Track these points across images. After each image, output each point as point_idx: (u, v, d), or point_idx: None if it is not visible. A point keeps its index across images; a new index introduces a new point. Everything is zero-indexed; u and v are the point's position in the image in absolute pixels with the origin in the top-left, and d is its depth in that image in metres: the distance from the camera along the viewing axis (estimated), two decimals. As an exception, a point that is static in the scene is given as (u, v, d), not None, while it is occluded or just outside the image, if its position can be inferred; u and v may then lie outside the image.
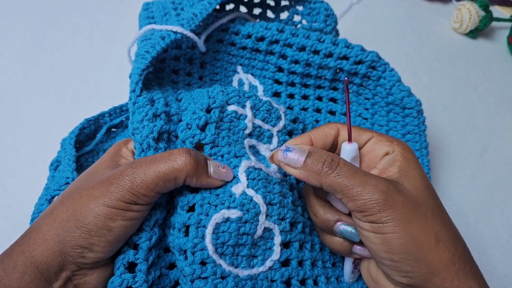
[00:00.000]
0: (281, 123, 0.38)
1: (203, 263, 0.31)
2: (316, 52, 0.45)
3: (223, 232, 0.31)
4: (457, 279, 0.28)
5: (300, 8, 0.51)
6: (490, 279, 0.46)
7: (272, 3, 0.52)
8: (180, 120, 0.36)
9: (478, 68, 0.69)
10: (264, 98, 0.38)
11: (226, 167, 0.33)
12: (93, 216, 0.28)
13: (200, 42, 0.43)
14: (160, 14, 0.47)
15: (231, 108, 0.35)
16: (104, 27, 0.67)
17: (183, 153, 0.30)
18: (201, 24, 0.44)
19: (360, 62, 0.44)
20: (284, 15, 0.52)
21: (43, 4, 0.69)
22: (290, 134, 0.39)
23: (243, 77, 0.49)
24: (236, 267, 0.32)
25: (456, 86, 0.66)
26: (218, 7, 0.47)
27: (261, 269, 0.33)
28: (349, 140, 0.33)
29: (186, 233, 0.32)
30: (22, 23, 0.65)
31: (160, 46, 0.38)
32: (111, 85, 0.59)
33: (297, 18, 0.52)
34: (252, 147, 0.37)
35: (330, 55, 0.45)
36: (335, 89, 0.49)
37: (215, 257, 0.31)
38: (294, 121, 0.39)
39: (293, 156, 0.31)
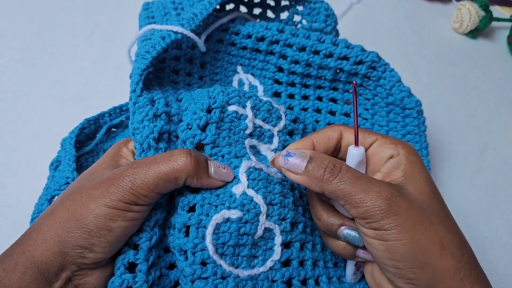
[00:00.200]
0: (282, 123, 0.38)
1: (203, 264, 0.31)
2: (316, 52, 0.45)
3: (224, 232, 0.31)
4: (462, 287, 0.27)
5: (300, 8, 0.51)
6: (490, 279, 0.46)
7: (272, 3, 0.52)
8: (181, 120, 0.36)
9: (478, 68, 0.69)
10: (265, 98, 0.38)
11: (226, 168, 0.33)
12: (94, 216, 0.28)
13: (200, 42, 0.43)
14: (160, 14, 0.47)
15: (231, 108, 0.35)
16: (104, 27, 0.67)
17: (183, 153, 0.30)
18: (201, 24, 0.44)
19: (360, 62, 0.44)
20: (284, 15, 0.52)
21: (43, 4, 0.69)
22: (291, 134, 0.39)
23: (243, 77, 0.49)
24: (237, 268, 0.32)
25: (456, 86, 0.66)
26: (218, 7, 0.47)
27: (261, 269, 0.33)
28: (356, 143, 0.32)
29: (187, 234, 0.32)
30: (22, 23, 0.65)
31: (161, 46, 0.38)
32: (111, 85, 0.59)
33: (297, 18, 0.52)
34: (253, 147, 0.37)
35: (330, 55, 0.45)
36: (335, 89, 0.49)
37: (215, 257, 0.31)
38: (294, 121, 0.39)
39: (295, 161, 0.31)
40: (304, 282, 0.35)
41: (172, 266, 0.34)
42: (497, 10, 0.80)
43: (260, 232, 0.33)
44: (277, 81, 0.50)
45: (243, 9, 0.50)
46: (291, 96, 0.50)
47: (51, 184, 0.42)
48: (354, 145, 0.32)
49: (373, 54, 0.44)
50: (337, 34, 0.51)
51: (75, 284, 0.29)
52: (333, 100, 0.50)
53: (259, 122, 0.37)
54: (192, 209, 0.32)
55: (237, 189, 0.33)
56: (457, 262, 0.28)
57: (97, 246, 0.28)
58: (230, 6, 0.49)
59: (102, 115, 0.48)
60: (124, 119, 0.49)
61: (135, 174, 0.29)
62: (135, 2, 0.68)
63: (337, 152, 0.35)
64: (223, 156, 0.34)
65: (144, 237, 0.31)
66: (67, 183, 0.40)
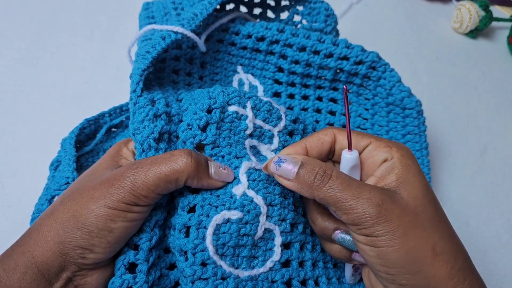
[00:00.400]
0: (282, 124, 0.38)
1: (203, 264, 0.31)
2: (316, 52, 0.45)
3: (224, 233, 0.31)
4: None
5: (300, 8, 0.51)
6: (490, 279, 0.47)
7: (272, 3, 0.52)
8: (181, 121, 0.36)
9: (478, 68, 0.69)
10: (265, 99, 0.38)
11: (227, 168, 0.33)
12: (94, 217, 0.28)
13: (200, 42, 0.43)
14: (161, 14, 0.47)
15: (232, 108, 0.35)
16: (104, 27, 0.67)
17: (184, 154, 0.30)
18: (201, 24, 0.44)
19: (360, 62, 0.44)
20: (284, 15, 0.52)
21: (43, 4, 0.68)
22: (291, 134, 0.39)
23: (243, 77, 0.49)
24: (237, 268, 0.32)
25: (456, 86, 0.66)
26: (218, 7, 0.46)
27: (261, 270, 0.33)
28: (349, 148, 0.31)
29: (187, 234, 0.32)
30: (22, 23, 0.65)
31: (161, 46, 0.38)
32: (111, 85, 0.59)
33: (297, 18, 0.52)
34: (253, 147, 0.37)
35: (330, 55, 0.45)
36: (335, 89, 0.49)
37: (215, 258, 0.31)
38: (294, 121, 0.39)
39: (286, 167, 0.30)
40: (303, 282, 0.35)
41: (172, 266, 0.34)
42: (497, 10, 0.80)
43: (260, 233, 0.33)
44: (277, 81, 0.50)
45: (243, 9, 0.50)
46: (291, 96, 0.50)
47: (51, 184, 0.42)
48: (347, 149, 0.32)
49: (373, 54, 0.44)
50: (337, 34, 0.51)
51: (75, 284, 0.29)
52: (333, 100, 0.50)
53: (259, 122, 0.36)
54: (192, 210, 0.32)
55: (238, 190, 0.33)
56: (450, 268, 0.27)
57: (98, 246, 0.28)
58: (230, 6, 0.49)
59: (102, 115, 0.48)
60: (124, 119, 0.49)
61: (136, 175, 0.29)
62: (135, 2, 0.68)
63: (331, 155, 0.34)
64: (223, 157, 0.34)
65: (145, 237, 0.31)
66: (67, 183, 0.40)
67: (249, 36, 0.46)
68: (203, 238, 0.31)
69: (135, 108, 0.35)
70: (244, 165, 0.34)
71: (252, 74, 0.50)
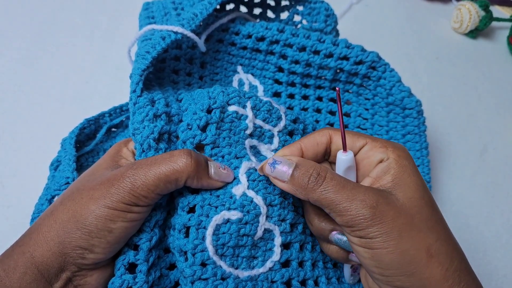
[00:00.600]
0: (282, 123, 0.38)
1: (203, 264, 0.31)
2: (316, 52, 0.45)
3: (224, 233, 0.31)
4: None
5: (300, 8, 0.51)
6: (490, 279, 0.47)
7: (272, 3, 0.52)
8: (181, 121, 0.36)
9: (478, 68, 0.69)
10: (265, 99, 0.38)
11: (226, 168, 0.33)
12: (94, 217, 0.28)
13: (200, 42, 0.43)
14: (161, 14, 0.47)
15: (231, 108, 0.35)
16: (104, 27, 0.67)
17: (184, 154, 0.30)
18: (201, 24, 0.44)
19: (360, 62, 0.44)
20: (284, 15, 0.52)
21: (43, 4, 0.68)
22: (291, 134, 0.39)
23: (243, 77, 0.49)
24: (237, 268, 0.32)
25: (456, 86, 0.66)
26: (218, 7, 0.46)
27: (261, 270, 0.33)
28: (344, 149, 0.31)
29: (187, 234, 0.32)
30: (22, 23, 0.65)
31: (161, 46, 0.38)
32: (111, 85, 0.59)
33: (297, 18, 0.52)
34: (253, 147, 0.37)
35: (330, 55, 0.45)
36: (335, 89, 0.49)
37: (215, 258, 0.31)
38: (294, 121, 0.39)
39: (281, 169, 0.30)
40: (303, 282, 0.35)
41: (172, 266, 0.34)
42: (497, 10, 0.80)
43: (260, 233, 0.33)
44: (277, 81, 0.50)
45: (243, 9, 0.50)
46: (291, 96, 0.50)
47: (51, 184, 0.42)
48: (342, 150, 0.31)
49: (373, 54, 0.44)
50: (337, 34, 0.51)
51: (75, 284, 0.29)
52: (333, 100, 0.50)
53: (259, 122, 0.36)
54: (192, 210, 0.32)
55: (237, 190, 0.33)
56: (445, 270, 0.27)
57: (97, 247, 0.28)
58: (230, 6, 0.49)
59: (102, 115, 0.48)
60: (124, 119, 0.49)
61: (135, 175, 0.29)
62: (135, 2, 0.68)
63: (327, 156, 0.34)
64: (223, 157, 0.34)
65: (144, 237, 0.31)
66: (67, 183, 0.40)
67: (249, 36, 0.46)
68: (203, 238, 0.31)
69: (135, 108, 0.35)
70: (244, 165, 0.34)
71: (252, 74, 0.50)
